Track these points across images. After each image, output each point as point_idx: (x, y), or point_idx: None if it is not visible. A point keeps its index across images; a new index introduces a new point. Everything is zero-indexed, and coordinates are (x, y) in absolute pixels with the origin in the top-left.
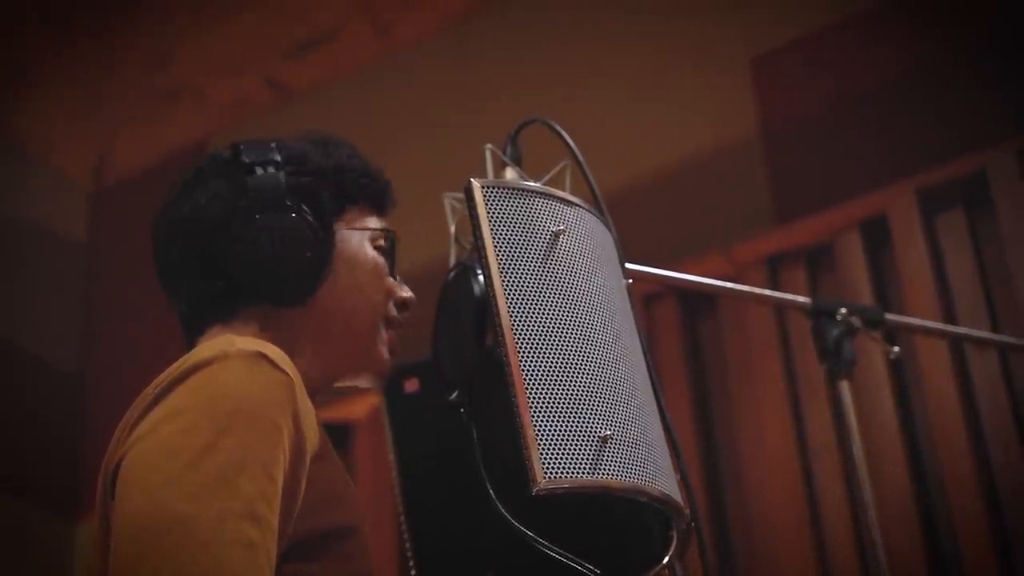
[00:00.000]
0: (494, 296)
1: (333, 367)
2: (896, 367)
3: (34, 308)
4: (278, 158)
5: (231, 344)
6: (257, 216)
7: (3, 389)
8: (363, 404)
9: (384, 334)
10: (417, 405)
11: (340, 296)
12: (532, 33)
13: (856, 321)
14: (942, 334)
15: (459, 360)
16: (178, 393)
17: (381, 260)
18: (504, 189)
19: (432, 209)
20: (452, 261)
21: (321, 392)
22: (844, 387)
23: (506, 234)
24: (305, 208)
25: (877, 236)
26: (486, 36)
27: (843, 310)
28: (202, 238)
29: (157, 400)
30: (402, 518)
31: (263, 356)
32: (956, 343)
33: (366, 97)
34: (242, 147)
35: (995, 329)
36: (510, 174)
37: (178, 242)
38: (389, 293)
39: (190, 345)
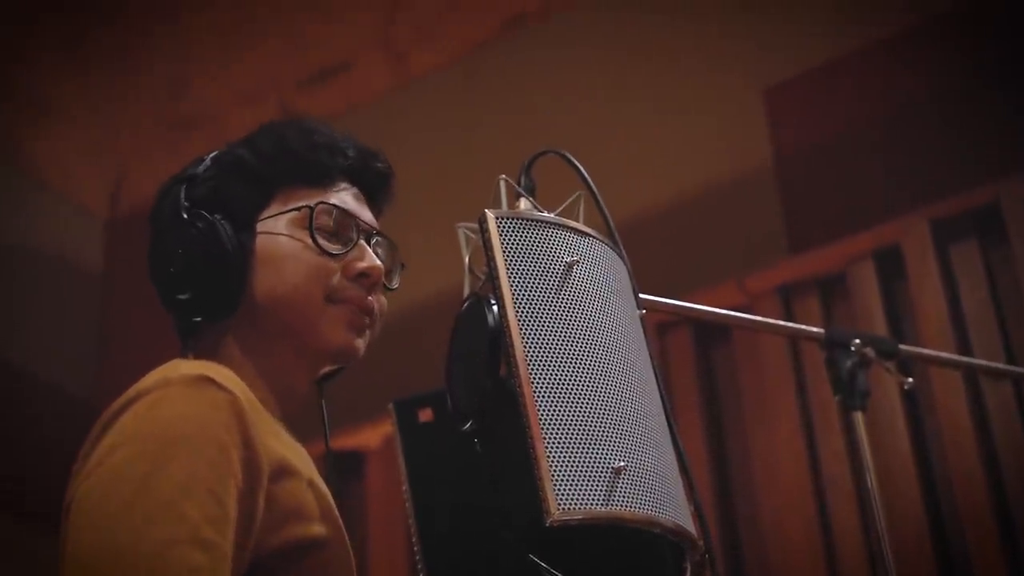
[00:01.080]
0: (508, 326)
1: (292, 362)
2: (910, 398)
3: (49, 335)
4: (188, 172)
5: (175, 370)
6: (159, 245)
7: (16, 414)
8: (376, 433)
9: (334, 311)
10: (431, 435)
11: (268, 291)
12: (546, 65)
13: (870, 352)
14: (956, 365)
15: (473, 390)
16: (122, 424)
17: (308, 240)
18: (518, 220)
19: (446, 239)
20: (466, 291)
21: (302, 387)
22: (858, 419)
23: (520, 265)
24: (209, 217)
25: (891, 266)
26: (500, 67)
27: (857, 341)
28: (152, 276)
29: (104, 431)
30: (415, 547)
31: (206, 378)
32: (971, 373)
33: (380, 126)
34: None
35: (1010, 359)
36: (524, 205)
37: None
38: (323, 272)
39: None
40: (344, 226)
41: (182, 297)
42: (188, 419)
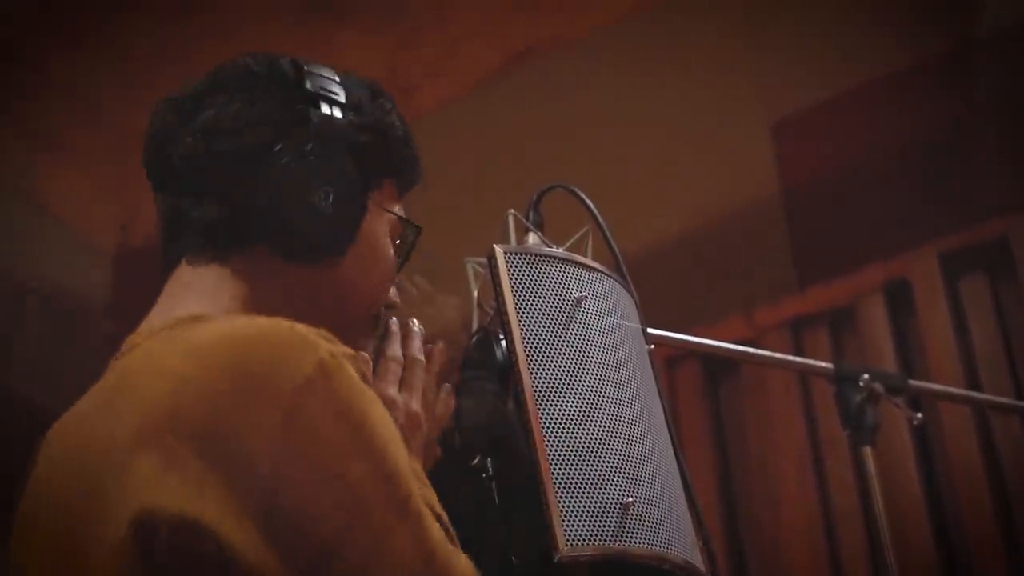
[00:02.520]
0: (516, 362)
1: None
2: (920, 432)
3: (57, 369)
4: (343, 99)
5: (316, 350)
6: (311, 158)
7: (23, 448)
8: None
9: (370, 325)
10: (439, 469)
11: (347, 271)
12: (553, 99)
13: (879, 387)
14: (965, 400)
15: (481, 426)
16: (311, 416)
17: (392, 253)
18: (526, 255)
19: (455, 273)
20: (474, 326)
21: None
22: (867, 453)
23: (528, 300)
24: (355, 166)
25: (900, 300)
26: (508, 101)
27: (866, 376)
28: (235, 158)
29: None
30: None
31: (353, 356)
32: (980, 408)
33: None
34: (306, 69)
35: (1019, 394)
36: (532, 239)
37: (203, 151)
38: (388, 289)
39: (168, 268)
40: (404, 252)
41: (276, 220)
42: (366, 410)
